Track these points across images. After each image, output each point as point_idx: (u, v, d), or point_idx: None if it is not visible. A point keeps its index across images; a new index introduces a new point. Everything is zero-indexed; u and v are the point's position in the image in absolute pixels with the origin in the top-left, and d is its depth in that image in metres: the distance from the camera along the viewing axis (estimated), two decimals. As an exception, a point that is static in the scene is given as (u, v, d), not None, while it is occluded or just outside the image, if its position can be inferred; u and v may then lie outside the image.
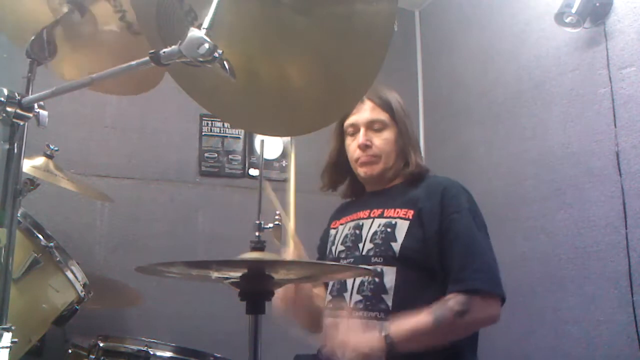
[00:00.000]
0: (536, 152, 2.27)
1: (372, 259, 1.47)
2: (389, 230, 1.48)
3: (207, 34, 0.73)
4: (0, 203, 0.87)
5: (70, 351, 1.69)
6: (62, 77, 1.21)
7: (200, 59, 0.72)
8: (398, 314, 1.39)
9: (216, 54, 0.72)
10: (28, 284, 1.39)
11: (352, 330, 1.37)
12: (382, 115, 1.58)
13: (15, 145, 0.90)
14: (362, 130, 1.58)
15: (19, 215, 0.93)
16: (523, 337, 2.20)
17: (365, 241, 1.52)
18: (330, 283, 1.58)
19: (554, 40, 2.21)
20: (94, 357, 1.54)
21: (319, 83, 1.00)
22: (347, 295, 1.49)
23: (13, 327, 0.85)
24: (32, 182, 0.92)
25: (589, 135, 2.02)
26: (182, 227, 2.56)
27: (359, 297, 1.45)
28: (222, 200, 2.67)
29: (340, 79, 0.99)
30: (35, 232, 1.44)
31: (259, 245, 1.04)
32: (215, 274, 1.04)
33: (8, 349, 0.83)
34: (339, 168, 1.69)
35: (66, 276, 1.49)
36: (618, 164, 1.90)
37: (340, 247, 1.59)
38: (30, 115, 0.91)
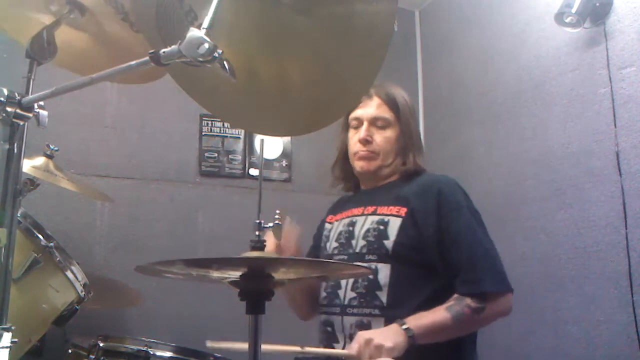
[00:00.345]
0: (536, 152, 2.27)
1: (366, 256, 1.48)
2: (381, 227, 1.48)
3: (206, 34, 0.73)
4: (0, 203, 0.87)
5: (70, 351, 1.68)
6: (68, 68, 1.21)
7: (200, 59, 0.72)
8: (392, 310, 1.40)
9: (216, 54, 0.72)
10: (28, 284, 1.39)
11: (375, 330, 1.37)
12: (387, 114, 1.59)
13: (15, 145, 0.90)
14: (365, 125, 1.59)
15: (19, 215, 0.93)
16: (523, 337, 2.20)
17: (358, 238, 1.52)
18: None
19: (554, 40, 2.21)
20: (94, 357, 1.54)
21: (319, 83, 1.00)
22: (341, 292, 1.49)
23: (13, 327, 0.85)
24: (32, 182, 0.92)
25: (589, 135, 2.02)
26: (182, 227, 2.56)
27: (353, 294, 1.46)
28: (222, 200, 2.67)
29: (340, 79, 1.00)
30: (35, 232, 1.44)
31: (258, 245, 1.04)
32: (215, 274, 1.04)
33: (8, 349, 0.83)
34: (342, 164, 1.70)
35: (66, 276, 1.49)
36: (618, 164, 1.90)
37: (334, 244, 1.59)
38: (30, 115, 0.91)
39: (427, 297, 1.40)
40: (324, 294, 1.56)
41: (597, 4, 1.96)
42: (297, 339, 1.53)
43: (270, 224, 1.19)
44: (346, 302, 1.47)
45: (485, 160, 2.57)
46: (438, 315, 1.35)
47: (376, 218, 1.51)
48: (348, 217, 1.62)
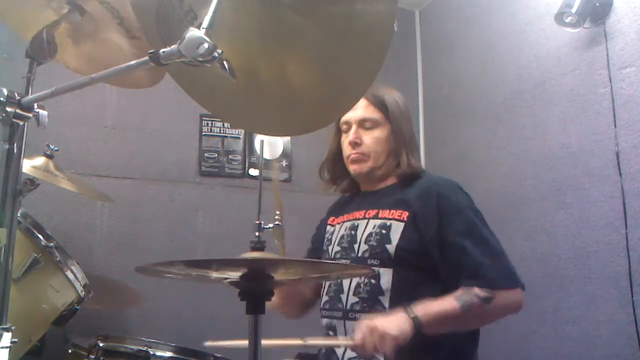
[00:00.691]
0: (536, 152, 2.27)
1: (368, 260, 1.47)
2: (383, 231, 1.47)
3: (206, 34, 0.73)
4: (0, 203, 0.87)
5: (70, 351, 1.69)
6: (67, 66, 1.21)
7: (200, 59, 0.72)
8: None
9: (216, 54, 0.72)
10: (28, 284, 1.39)
11: (381, 317, 1.34)
12: (375, 114, 1.58)
13: (15, 145, 0.90)
14: (354, 127, 1.58)
15: (19, 215, 0.92)
16: (523, 337, 2.20)
17: (360, 242, 1.51)
18: (327, 284, 1.57)
19: (554, 40, 2.21)
20: (94, 357, 1.54)
21: (319, 83, 1.00)
22: (343, 296, 1.49)
23: (13, 327, 0.85)
24: (32, 182, 0.92)
25: (589, 135, 2.02)
26: (182, 227, 2.56)
27: (356, 299, 1.45)
28: (222, 200, 2.67)
29: (340, 79, 0.99)
30: (35, 232, 1.44)
31: (259, 245, 1.04)
32: (215, 274, 1.04)
33: (8, 349, 0.83)
34: (337, 164, 1.68)
35: (66, 276, 1.49)
36: (618, 164, 1.90)
37: (337, 248, 1.59)
38: (30, 115, 0.91)
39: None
40: (326, 298, 1.55)
41: (597, 4, 1.96)
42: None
43: (270, 225, 1.19)
44: (348, 306, 1.46)
45: (485, 160, 2.57)
46: (447, 303, 1.32)
47: (378, 222, 1.50)
48: (350, 220, 1.61)
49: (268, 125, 1.11)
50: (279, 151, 2.79)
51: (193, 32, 0.72)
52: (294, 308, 1.71)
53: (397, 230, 1.46)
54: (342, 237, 1.59)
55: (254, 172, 2.74)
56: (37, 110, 0.92)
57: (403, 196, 1.52)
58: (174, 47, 0.73)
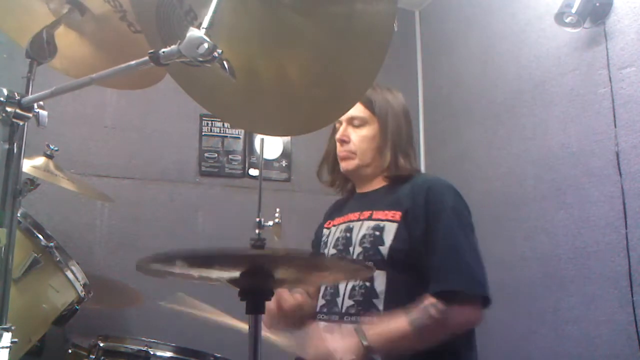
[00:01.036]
0: (536, 152, 2.27)
1: None
2: (377, 233, 1.47)
3: (206, 34, 0.73)
4: (0, 203, 0.87)
5: (70, 351, 1.69)
6: (67, 73, 1.21)
7: (200, 59, 0.72)
8: None
9: (216, 54, 0.72)
10: (28, 284, 1.39)
11: (331, 338, 1.36)
12: (363, 112, 1.57)
13: (15, 145, 0.90)
14: (343, 125, 1.59)
15: (19, 215, 0.93)
16: (523, 337, 2.20)
17: (355, 245, 1.51)
18: (323, 287, 1.57)
19: (554, 40, 2.21)
20: (94, 357, 1.54)
21: (319, 83, 1.00)
22: (339, 300, 1.48)
23: (13, 327, 0.85)
24: (32, 182, 0.92)
25: (589, 135, 2.02)
26: (182, 227, 2.56)
27: (351, 302, 1.45)
28: (222, 200, 2.67)
29: (340, 79, 0.99)
30: (35, 232, 1.44)
31: (259, 243, 1.04)
32: (215, 273, 1.03)
33: (8, 349, 0.83)
34: (335, 163, 1.67)
35: (66, 276, 1.49)
36: (618, 164, 1.90)
37: (332, 251, 1.58)
38: (30, 115, 0.91)
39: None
40: (322, 302, 1.55)
41: (597, 4, 1.96)
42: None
43: (270, 223, 1.19)
44: (344, 309, 1.46)
45: (485, 160, 2.57)
46: (399, 325, 1.32)
47: (372, 223, 1.50)
48: (345, 222, 1.60)
49: (268, 125, 1.11)
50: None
51: (193, 32, 0.72)
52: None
53: (390, 231, 1.45)
54: (337, 239, 1.58)
55: (254, 172, 2.74)
56: (37, 110, 0.92)
57: (396, 196, 1.51)
58: (174, 47, 0.73)
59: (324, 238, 1.68)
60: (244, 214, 2.49)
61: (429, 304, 1.34)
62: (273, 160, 2.82)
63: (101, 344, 1.56)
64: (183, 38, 0.72)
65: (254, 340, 0.95)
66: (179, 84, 0.98)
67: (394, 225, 1.46)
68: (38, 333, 1.51)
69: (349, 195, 1.71)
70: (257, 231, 1.05)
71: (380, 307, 1.41)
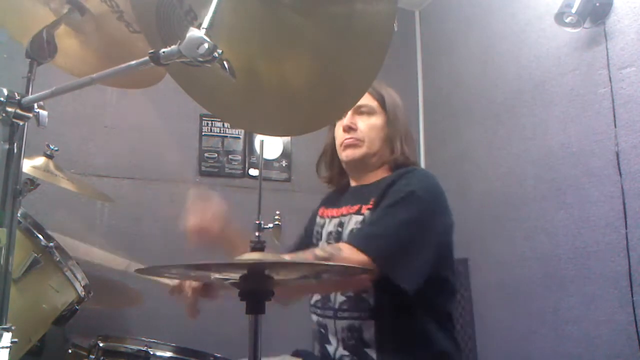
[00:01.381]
0: (536, 152, 2.27)
1: None
2: (359, 227, 1.46)
3: (206, 34, 0.73)
4: (0, 203, 0.87)
5: (70, 351, 1.68)
6: (71, 72, 1.21)
7: (200, 59, 0.72)
8: (380, 312, 1.39)
9: (216, 54, 0.72)
10: (28, 284, 1.39)
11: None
12: (371, 102, 1.56)
13: (15, 145, 0.90)
14: (350, 113, 1.55)
15: (19, 215, 0.92)
16: (523, 337, 2.20)
17: (344, 240, 1.48)
18: None
19: (554, 40, 2.21)
20: (94, 357, 1.54)
21: (319, 83, 1.00)
22: (332, 295, 1.48)
23: (13, 327, 0.85)
24: (32, 182, 0.92)
25: (589, 135, 2.02)
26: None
27: (343, 298, 1.45)
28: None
29: (340, 79, 0.99)
30: (35, 232, 1.44)
31: (258, 246, 1.04)
32: (215, 275, 1.04)
33: (8, 349, 0.83)
34: (335, 158, 1.65)
35: (66, 276, 1.49)
36: (618, 164, 1.90)
37: (325, 245, 1.56)
38: (30, 115, 0.91)
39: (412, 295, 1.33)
40: (317, 297, 1.55)
41: (597, 4, 1.96)
42: (295, 337, 1.54)
43: (270, 225, 1.19)
44: (337, 306, 1.46)
45: (485, 160, 2.57)
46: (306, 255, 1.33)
47: (359, 217, 1.48)
48: (337, 216, 1.58)
49: (268, 125, 1.11)
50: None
51: (193, 32, 0.72)
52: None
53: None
54: (329, 233, 1.57)
55: (254, 172, 2.74)
56: (37, 110, 0.92)
57: (384, 187, 1.47)
58: (174, 47, 0.73)
59: (317, 227, 1.66)
60: (243, 214, 2.49)
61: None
62: (273, 160, 2.82)
63: (101, 344, 1.56)
64: (183, 38, 0.72)
65: (254, 340, 0.95)
66: (179, 84, 0.98)
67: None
68: (38, 333, 1.51)
69: (345, 188, 1.68)
70: (256, 233, 1.05)
71: (371, 301, 1.40)
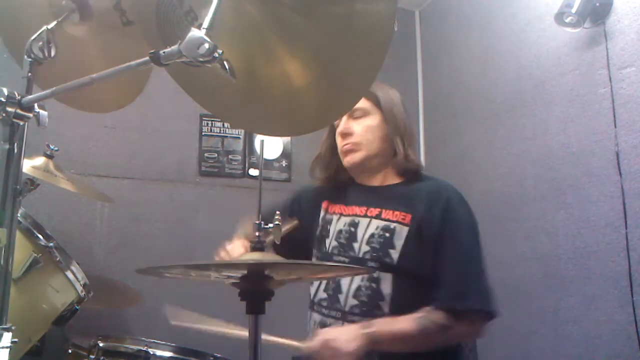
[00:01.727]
0: (536, 152, 2.27)
1: (368, 262, 1.44)
2: (387, 235, 1.44)
3: (207, 34, 0.73)
4: (1, 203, 0.87)
5: (70, 351, 1.69)
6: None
7: (200, 59, 0.72)
8: None
9: (216, 54, 0.72)
10: (28, 284, 1.39)
11: (333, 329, 1.37)
12: (363, 103, 1.54)
13: (15, 145, 0.90)
14: (344, 118, 1.55)
15: (19, 215, 0.92)
16: (523, 337, 2.20)
17: (361, 242, 1.48)
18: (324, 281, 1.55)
19: (554, 40, 2.21)
20: (94, 357, 1.54)
21: (319, 83, 1.00)
22: (342, 297, 1.46)
23: (13, 327, 0.85)
24: (32, 182, 0.92)
25: (589, 135, 2.02)
26: (182, 227, 2.56)
27: (355, 302, 1.44)
28: (222, 200, 2.67)
29: (340, 79, 0.99)
30: (35, 232, 1.44)
31: (258, 246, 1.04)
32: (215, 275, 1.04)
33: (8, 349, 0.83)
34: (332, 160, 1.64)
35: (66, 276, 1.49)
36: (618, 164, 1.90)
37: (334, 243, 1.54)
38: (30, 115, 0.91)
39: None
40: (323, 295, 1.52)
41: (597, 4, 1.96)
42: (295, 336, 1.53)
43: (270, 225, 1.19)
44: (347, 308, 1.44)
45: (485, 160, 2.57)
46: (404, 324, 1.33)
47: (382, 223, 1.47)
48: (349, 215, 1.55)
49: (268, 125, 1.11)
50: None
51: (194, 33, 0.72)
52: None
53: (400, 235, 1.43)
54: (339, 232, 1.54)
55: (254, 172, 2.74)
56: (37, 110, 0.92)
57: (407, 197, 1.49)
58: (174, 47, 0.73)
59: (323, 222, 1.62)
60: (244, 214, 2.49)
61: (436, 314, 1.35)
62: (273, 160, 2.82)
63: (101, 344, 1.56)
64: (183, 38, 0.72)
65: (254, 340, 0.95)
66: (179, 84, 0.98)
67: (405, 229, 1.44)
68: (38, 333, 1.51)
69: (347, 183, 1.64)
70: (256, 233, 1.05)
71: (386, 309, 1.40)
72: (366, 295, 1.43)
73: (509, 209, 2.36)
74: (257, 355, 0.95)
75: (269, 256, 1.04)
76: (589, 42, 2.05)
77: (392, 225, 1.45)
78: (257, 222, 1.06)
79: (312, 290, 1.57)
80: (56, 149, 1.77)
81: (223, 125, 2.75)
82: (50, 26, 1.01)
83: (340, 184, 1.65)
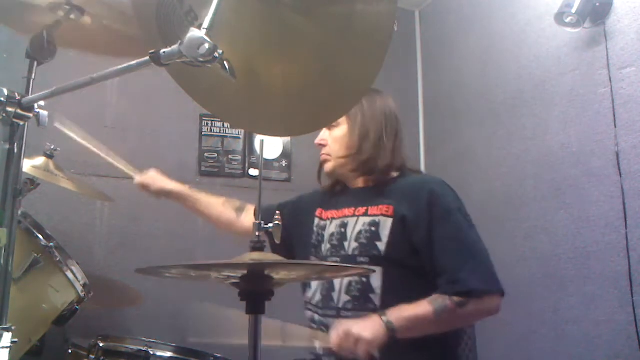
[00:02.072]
0: (536, 152, 2.27)
1: (358, 258, 1.47)
2: (373, 229, 1.48)
3: (207, 34, 0.73)
4: (1, 203, 0.87)
5: (70, 351, 1.69)
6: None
7: (201, 59, 0.72)
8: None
9: (216, 54, 0.72)
10: (28, 284, 1.39)
11: (354, 323, 1.37)
12: None
13: (15, 145, 0.90)
14: (323, 130, 1.63)
15: (19, 215, 0.92)
16: (523, 337, 2.20)
17: (350, 240, 1.51)
18: (319, 282, 1.57)
19: (554, 40, 2.21)
20: (94, 357, 1.54)
21: (319, 83, 1.00)
22: (335, 295, 1.49)
23: (13, 327, 0.85)
24: (32, 182, 0.92)
25: (589, 135, 2.02)
26: (182, 227, 2.56)
27: (348, 298, 1.46)
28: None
29: (340, 79, 0.99)
30: (35, 232, 1.44)
31: (258, 245, 1.04)
32: (215, 275, 1.04)
33: (8, 349, 0.83)
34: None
35: (66, 276, 1.49)
36: (618, 164, 1.90)
37: (328, 246, 1.58)
38: (30, 115, 0.91)
39: (419, 300, 1.39)
40: (319, 297, 1.55)
41: (597, 4, 1.96)
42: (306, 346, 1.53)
43: (270, 225, 1.19)
44: (341, 305, 1.47)
45: (485, 160, 2.57)
46: (421, 308, 1.35)
47: (368, 219, 1.51)
48: (339, 217, 1.60)
49: (268, 125, 1.11)
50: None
51: (194, 33, 0.72)
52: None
53: (385, 226, 1.46)
54: (332, 234, 1.58)
55: (254, 172, 2.74)
56: (37, 110, 0.92)
57: (390, 191, 1.53)
58: (174, 47, 0.73)
59: (316, 228, 1.66)
60: (244, 214, 2.49)
61: (444, 297, 1.36)
62: (273, 160, 2.82)
63: (101, 344, 1.56)
64: (183, 38, 0.72)
65: (254, 340, 0.95)
66: (179, 84, 0.98)
67: (389, 220, 1.47)
68: (38, 333, 1.51)
69: (342, 189, 1.69)
70: (256, 233, 1.05)
71: (377, 302, 1.42)
72: (357, 290, 1.45)
73: (509, 209, 2.36)
74: (257, 355, 0.95)
75: (269, 256, 1.04)
76: (589, 42, 2.05)
77: (377, 219, 1.49)
78: (256, 222, 1.06)
79: (309, 293, 1.59)
80: (56, 149, 1.77)
81: (223, 125, 2.75)
82: (49, 25, 1.01)
83: (338, 190, 1.71)
